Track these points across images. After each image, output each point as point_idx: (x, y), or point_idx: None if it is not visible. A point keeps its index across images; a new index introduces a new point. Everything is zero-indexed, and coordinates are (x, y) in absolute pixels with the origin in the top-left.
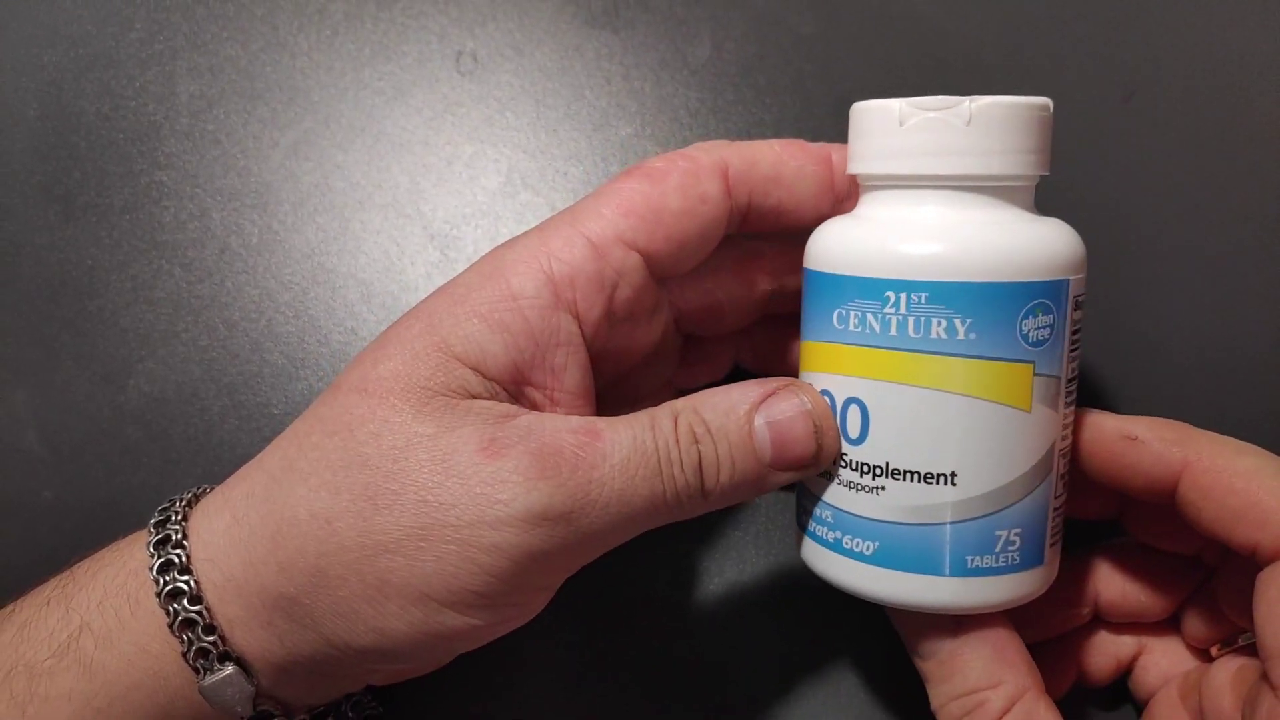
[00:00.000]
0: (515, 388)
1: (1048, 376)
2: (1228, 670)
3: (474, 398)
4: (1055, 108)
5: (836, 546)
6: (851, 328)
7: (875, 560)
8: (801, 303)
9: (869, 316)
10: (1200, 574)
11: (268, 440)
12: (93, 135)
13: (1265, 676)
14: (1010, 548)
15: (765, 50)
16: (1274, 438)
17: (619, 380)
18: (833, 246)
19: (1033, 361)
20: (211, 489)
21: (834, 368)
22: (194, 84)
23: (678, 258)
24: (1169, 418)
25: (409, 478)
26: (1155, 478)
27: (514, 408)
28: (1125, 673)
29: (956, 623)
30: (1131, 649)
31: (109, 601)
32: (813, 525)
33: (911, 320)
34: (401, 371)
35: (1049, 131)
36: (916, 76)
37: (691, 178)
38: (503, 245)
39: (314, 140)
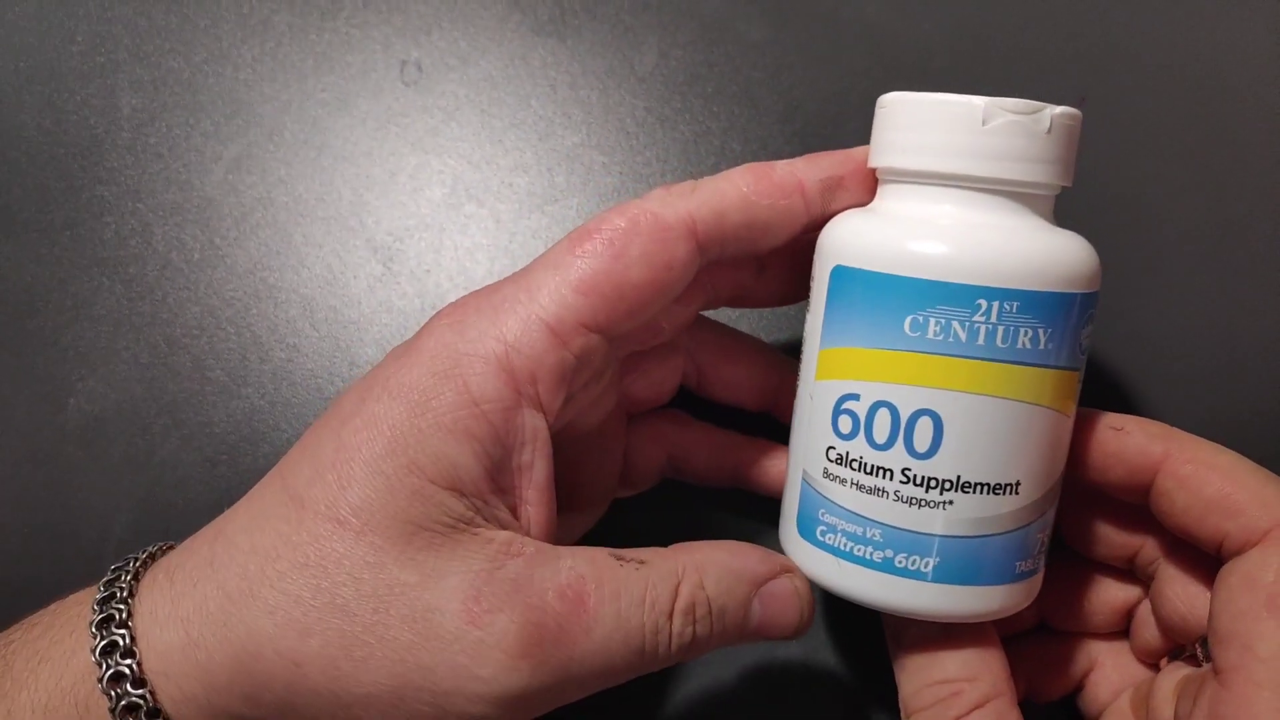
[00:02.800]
0: (488, 495)
1: (1081, 383)
2: (1172, 679)
3: (456, 523)
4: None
5: (887, 566)
6: (931, 335)
7: (934, 577)
8: (827, 303)
9: (955, 324)
10: (1140, 583)
11: (210, 461)
12: (33, 150)
13: (1213, 666)
14: (1040, 549)
15: (713, 58)
16: (1256, 441)
17: (561, 429)
18: (907, 248)
19: (1079, 369)
20: (146, 564)
21: (900, 377)
22: (136, 97)
23: (637, 323)
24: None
25: (387, 633)
26: (1135, 467)
27: (500, 537)
28: (1076, 690)
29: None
30: (1083, 665)
31: (56, 711)
32: (850, 547)
33: (1001, 329)
34: (376, 502)
35: None
36: (866, 83)
37: (657, 244)
38: (450, 326)
39: (257, 154)
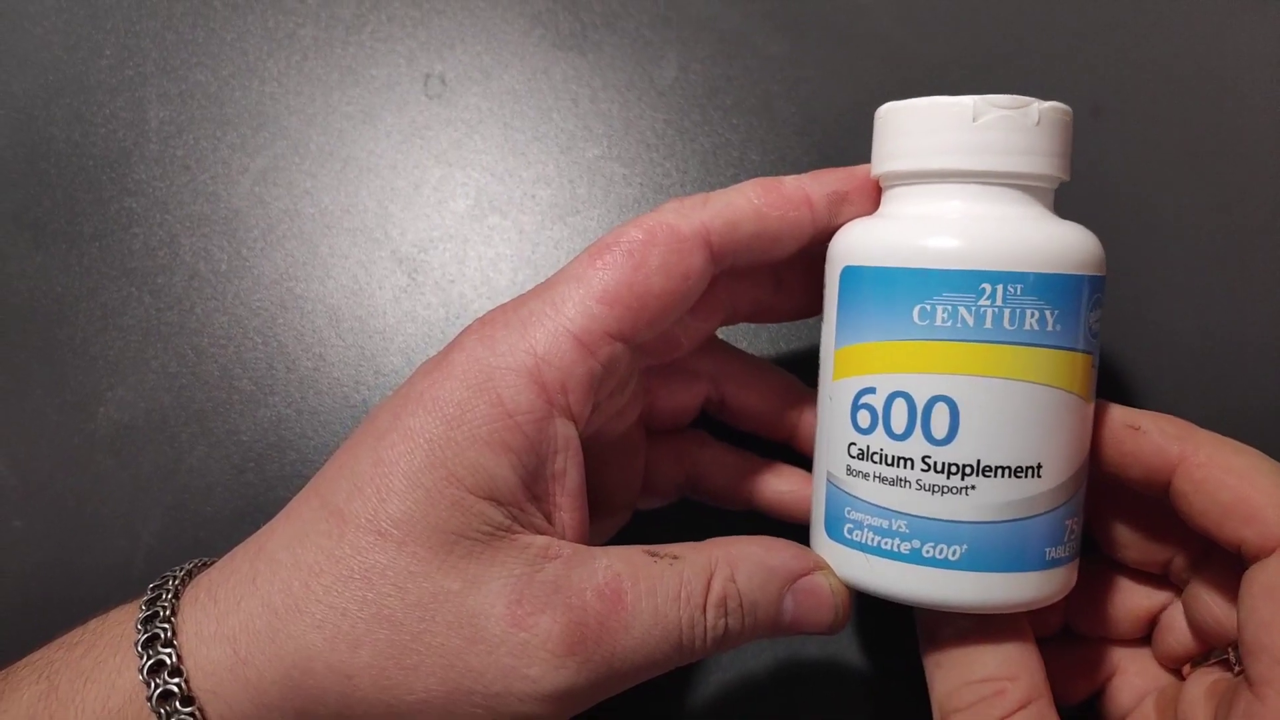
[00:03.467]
0: (524, 503)
1: (1095, 368)
2: (1202, 683)
3: (494, 531)
4: None
5: (915, 557)
6: (939, 322)
7: (963, 565)
8: (839, 304)
9: (961, 310)
10: (1169, 590)
11: (237, 469)
12: (62, 162)
13: (1244, 675)
14: (1071, 537)
15: (732, 71)
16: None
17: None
18: (909, 242)
19: (1091, 353)
20: (184, 580)
21: (913, 366)
22: (164, 110)
23: (657, 331)
24: None
25: (434, 640)
26: (1153, 468)
27: (538, 541)
28: (1097, 694)
29: (985, 616)
30: (1105, 669)
31: None
32: (878, 541)
33: (1007, 312)
34: (417, 514)
35: None
36: (882, 95)
37: (675, 255)
38: (480, 341)
39: (283, 165)
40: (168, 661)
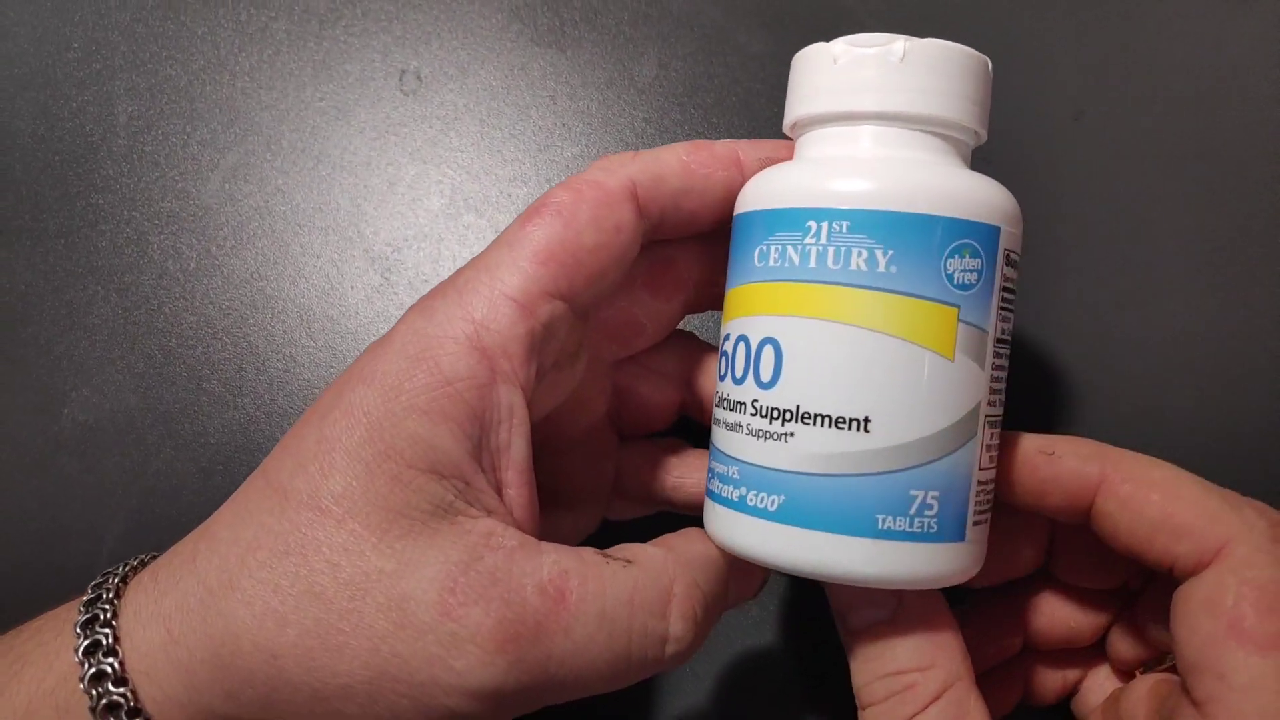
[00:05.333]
0: (470, 476)
1: (973, 326)
2: (1145, 683)
3: (436, 509)
4: (1006, 126)
5: (741, 505)
6: (772, 263)
7: (780, 516)
8: (729, 256)
9: (789, 249)
10: (1124, 598)
11: (205, 471)
12: (28, 157)
13: (1185, 692)
14: (926, 512)
15: (712, 69)
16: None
17: (547, 425)
18: (761, 187)
19: (958, 305)
20: (135, 569)
21: (752, 309)
22: (132, 105)
23: (597, 292)
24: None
25: (362, 620)
26: (1073, 492)
27: (481, 527)
28: (1072, 693)
29: (895, 597)
30: (1077, 671)
31: (36, 715)
32: (719, 488)
33: (831, 250)
34: (357, 489)
35: (986, 88)
36: None
37: (604, 208)
38: (419, 313)
39: (254, 162)
40: (104, 642)
